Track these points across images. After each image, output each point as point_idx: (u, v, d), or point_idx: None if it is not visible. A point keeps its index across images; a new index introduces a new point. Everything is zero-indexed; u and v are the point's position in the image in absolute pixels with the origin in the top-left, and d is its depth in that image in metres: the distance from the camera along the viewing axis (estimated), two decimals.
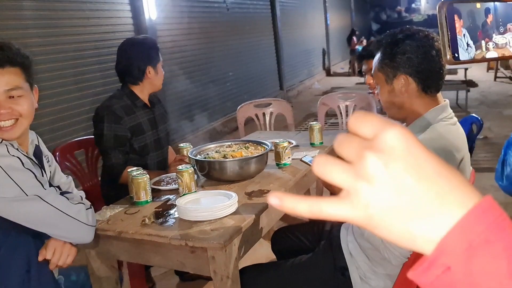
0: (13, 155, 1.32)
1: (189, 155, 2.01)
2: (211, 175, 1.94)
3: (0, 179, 1.27)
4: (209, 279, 2.53)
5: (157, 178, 2.02)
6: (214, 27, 6.33)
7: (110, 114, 2.12)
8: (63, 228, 1.37)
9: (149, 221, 1.60)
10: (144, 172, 1.79)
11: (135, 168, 1.83)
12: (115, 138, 2.12)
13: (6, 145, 1.33)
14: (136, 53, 2.18)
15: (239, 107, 3.65)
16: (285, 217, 3.02)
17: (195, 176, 1.85)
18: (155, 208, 1.72)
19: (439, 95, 1.48)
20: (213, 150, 2.09)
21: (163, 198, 1.82)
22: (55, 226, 1.36)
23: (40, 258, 1.37)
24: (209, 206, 1.60)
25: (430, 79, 1.42)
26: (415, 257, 1.40)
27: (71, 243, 1.42)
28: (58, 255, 1.37)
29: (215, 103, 6.14)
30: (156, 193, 1.86)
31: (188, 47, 5.59)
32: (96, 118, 2.17)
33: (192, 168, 1.82)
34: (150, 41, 2.28)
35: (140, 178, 1.75)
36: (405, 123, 1.50)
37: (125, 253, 1.63)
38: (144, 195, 1.76)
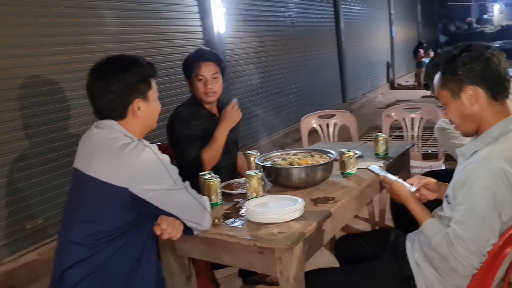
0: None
1: (256, 162, 2.10)
2: (277, 181, 2.01)
3: (160, 172, 1.47)
4: (271, 284, 2.60)
5: (226, 183, 2.12)
6: (278, 40, 6.47)
7: (180, 119, 2.29)
8: (195, 215, 1.55)
9: (219, 222, 1.70)
10: (216, 176, 1.90)
11: (206, 172, 1.95)
12: (189, 136, 2.26)
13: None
14: None
15: (303, 117, 3.72)
16: (347, 227, 3.04)
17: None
18: (225, 210, 1.82)
19: (509, 105, 1.46)
20: (279, 158, 2.17)
21: (232, 201, 1.92)
22: (192, 213, 1.54)
23: (158, 232, 1.53)
24: (276, 210, 1.68)
25: (498, 85, 1.42)
26: (485, 268, 1.39)
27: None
28: (171, 228, 1.52)
29: (278, 114, 6.25)
30: (225, 196, 1.96)
31: (253, 60, 5.75)
32: (169, 124, 2.33)
33: (260, 173, 1.91)
34: None
35: (211, 182, 1.86)
36: (476, 135, 1.50)
37: (196, 251, 1.74)
38: (215, 197, 1.87)
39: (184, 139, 2.25)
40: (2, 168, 2.93)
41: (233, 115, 2.29)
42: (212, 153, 2.24)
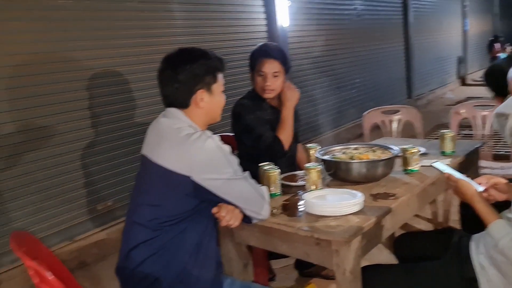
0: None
1: (316, 155, 2.10)
2: (337, 175, 2.00)
3: (221, 162, 1.52)
4: (327, 278, 2.60)
5: (286, 174, 2.14)
6: (343, 33, 6.36)
7: (246, 109, 2.33)
8: (254, 205, 1.60)
9: (278, 212, 1.73)
10: (276, 167, 1.92)
11: (266, 162, 1.98)
12: (260, 122, 2.29)
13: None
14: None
15: (365, 112, 3.65)
16: (406, 226, 2.95)
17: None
18: (283, 201, 1.84)
19: None
20: (339, 151, 2.16)
21: (290, 193, 1.94)
22: (251, 203, 1.60)
23: (216, 215, 1.58)
24: (335, 202, 1.67)
25: None
26: None
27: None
28: (229, 216, 1.57)
29: (340, 109, 6.17)
30: (284, 188, 1.98)
31: (316, 53, 5.70)
32: (234, 115, 2.38)
33: (320, 166, 1.91)
34: None
35: (271, 172, 1.89)
36: None
37: (254, 239, 1.78)
38: (274, 188, 1.89)
39: (257, 125, 2.28)
40: (76, 153, 3.15)
41: (291, 93, 2.32)
42: (286, 133, 2.27)
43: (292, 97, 2.32)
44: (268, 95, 2.33)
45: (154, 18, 3.67)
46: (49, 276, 1.29)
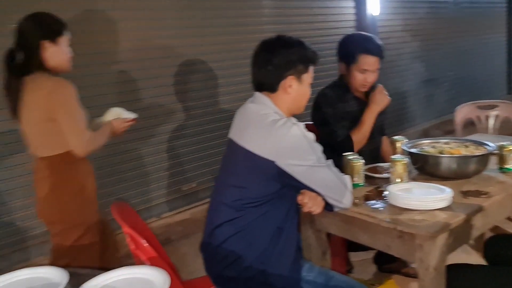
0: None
1: (403, 147, 2.04)
2: (424, 169, 1.93)
3: (305, 149, 1.55)
4: (407, 275, 2.52)
5: (370, 166, 2.10)
6: (437, 22, 6.01)
7: (327, 100, 2.32)
8: (336, 193, 1.61)
9: (360, 202, 1.71)
10: (360, 157, 1.90)
11: (351, 152, 1.96)
12: (337, 117, 2.28)
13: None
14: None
15: (458, 106, 3.44)
16: (497, 229, 2.76)
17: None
18: (366, 191, 1.82)
19: None
20: (428, 145, 2.07)
21: (374, 184, 1.90)
22: (333, 191, 1.61)
23: (300, 202, 1.62)
24: (421, 196, 1.62)
25: None
26: None
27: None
28: (312, 202, 1.61)
29: (429, 102, 5.86)
30: (368, 179, 1.95)
31: (406, 43, 5.46)
32: (315, 105, 2.38)
33: (406, 159, 1.86)
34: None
35: (355, 162, 1.87)
36: None
37: (335, 227, 1.78)
38: (358, 179, 1.87)
39: (333, 120, 2.28)
40: (165, 136, 3.34)
41: (381, 98, 2.27)
42: (360, 135, 2.25)
43: (380, 102, 2.27)
44: (365, 89, 2.32)
45: (243, 7, 3.75)
46: (144, 243, 1.41)
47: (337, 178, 1.61)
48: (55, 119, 1.89)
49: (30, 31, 1.91)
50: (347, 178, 1.67)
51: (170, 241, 3.32)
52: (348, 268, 2.64)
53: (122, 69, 3.09)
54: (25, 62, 1.91)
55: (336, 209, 1.64)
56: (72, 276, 1.22)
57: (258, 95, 1.68)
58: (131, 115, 2.18)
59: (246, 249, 1.59)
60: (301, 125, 1.58)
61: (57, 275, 1.23)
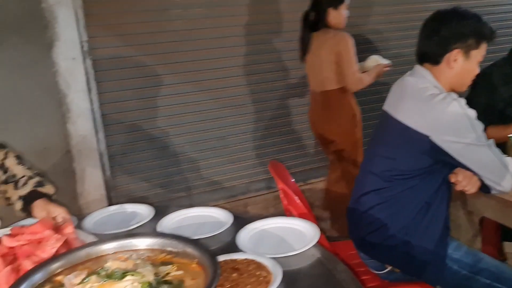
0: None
1: None
2: None
3: (464, 126, 1.51)
4: None
5: None
6: None
7: (486, 82, 2.13)
8: (494, 174, 1.53)
9: None
10: None
11: None
12: (485, 105, 2.11)
13: None
14: None
15: None
16: None
17: None
18: None
19: None
20: None
21: None
22: (491, 171, 1.54)
23: (452, 180, 1.60)
24: None
25: None
26: None
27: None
28: (466, 181, 1.57)
29: None
30: None
31: None
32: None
33: None
34: None
35: None
36: None
37: (490, 211, 1.70)
38: None
39: (477, 105, 2.11)
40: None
41: None
42: (500, 135, 1.95)
43: None
44: None
45: None
46: (297, 200, 1.56)
47: (497, 159, 1.53)
48: (336, 62, 2.62)
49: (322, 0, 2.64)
50: (509, 160, 1.57)
51: (313, 207, 3.46)
52: (501, 259, 2.47)
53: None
54: (315, 21, 2.68)
55: (493, 192, 1.56)
56: (235, 218, 1.42)
57: (418, 68, 1.66)
58: (387, 61, 2.70)
59: (391, 218, 1.63)
60: (462, 101, 1.53)
61: (225, 216, 1.44)
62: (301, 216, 1.57)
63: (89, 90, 2.74)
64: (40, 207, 1.32)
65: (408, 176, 1.61)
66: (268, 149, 3.35)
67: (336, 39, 2.61)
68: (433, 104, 1.52)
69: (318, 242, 1.23)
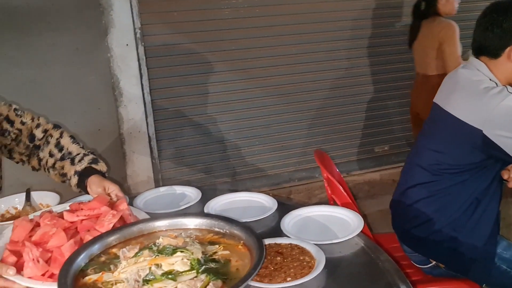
0: None
1: None
2: None
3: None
4: None
5: None
6: None
7: None
8: None
9: None
10: None
11: None
12: None
13: None
14: None
15: None
16: None
17: None
18: None
19: None
20: None
21: None
22: None
23: (505, 177, 1.51)
24: None
25: None
26: None
27: None
28: None
29: None
30: None
31: None
32: None
33: None
34: None
35: None
36: None
37: None
38: None
39: None
40: (365, 96, 3.41)
41: None
42: None
43: None
44: None
45: None
46: (341, 189, 1.56)
47: None
48: (438, 49, 2.78)
49: None
50: None
51: (355, 198, 3.44)
52: None
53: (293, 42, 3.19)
54: (426, 10, 2.86)
55: None
56: (280, 204, 1.44)
57: (473, 60, 1.60)
58: None
59: (438, 213, 1.60)
60: None
61: (269, 201, 1.47)
62: (345, 205, 1.57)
63: (141, 76, 2.84)
64: (96, 183, 1.39)
65: (457, 171, 1.57)
66: (312, 139, 3.36)
67: (440, 26, 2.76)
68: (488, 98, 1.47)
69: (361, 231, 1.24)
